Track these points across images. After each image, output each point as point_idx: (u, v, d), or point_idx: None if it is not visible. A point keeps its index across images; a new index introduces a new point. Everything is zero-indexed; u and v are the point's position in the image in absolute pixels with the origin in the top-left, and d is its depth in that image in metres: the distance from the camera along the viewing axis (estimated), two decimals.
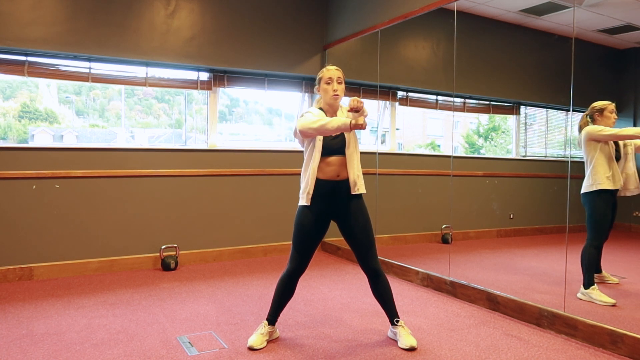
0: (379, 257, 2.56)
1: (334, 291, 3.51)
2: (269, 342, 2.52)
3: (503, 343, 2.57)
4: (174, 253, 4.19)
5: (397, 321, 2.52)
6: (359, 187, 2.49)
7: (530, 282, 3.55)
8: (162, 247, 4.15)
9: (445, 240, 4.65)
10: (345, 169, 2.45)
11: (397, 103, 5.02)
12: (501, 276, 3.81)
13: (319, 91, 2.53)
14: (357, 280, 3.78)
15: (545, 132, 4.67)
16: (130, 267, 4.06)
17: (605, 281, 3.34)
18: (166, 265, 4.04)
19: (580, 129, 3.22)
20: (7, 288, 3.47)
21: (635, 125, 3.59)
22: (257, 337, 2.47)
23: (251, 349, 2.43)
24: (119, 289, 3.49)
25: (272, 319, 2.53)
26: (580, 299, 3.08)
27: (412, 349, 2.42)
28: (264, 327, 2.51)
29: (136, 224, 4.10)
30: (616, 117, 3.15)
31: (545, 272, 3.76)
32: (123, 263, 4.04)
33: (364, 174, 2.57)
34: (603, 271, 3.33)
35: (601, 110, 3.14)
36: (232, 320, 2.87)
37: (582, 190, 3.16)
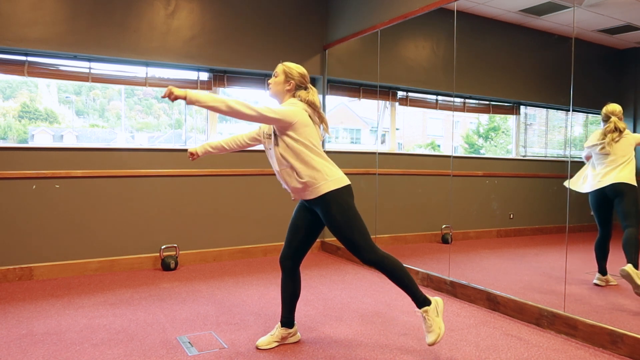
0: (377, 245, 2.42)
1: (334, 291, 3.51)
2: (285, 345, 2.52)
3: (503, 343, 2.57)
4: (174, 253, 4.20)
5: (421, 309, 2.35)
6: (308, 192, 2.31)
7: (530, 282, 3.55)
8: (162, 247, 4.15)
9: (445, 240, 4.65)
10: (284, 180, 2.39)
11: (397, 103, 5.02)
12: (501, 276, 3.81)
13: None
14: (357, 280, 3.78)
15: (545, 132, 4.67)
16: (130, 267, 4.06)
17: (609, 284, 3.34)
18: (166, 265, 4.04)
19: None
20: (7, 288, 3.47)
21: (635, 125, 3.59)
22: (266, 338, 2.50)
23: (256, 347, 2.46)
24: (119, 289, 3.49)
25: (283, 321, 2.52)
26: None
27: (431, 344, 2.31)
28: (275, 329, 2.52)
29: (136, 224, 4.10)
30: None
31: (545, 272, 3.76)
32: (123, 263, 4.04)
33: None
34: (608, 274, 3.34)
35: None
36: (232, 320, 2.87)
37: (628, 181, 3.20)
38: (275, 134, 2.32)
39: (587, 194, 3.35)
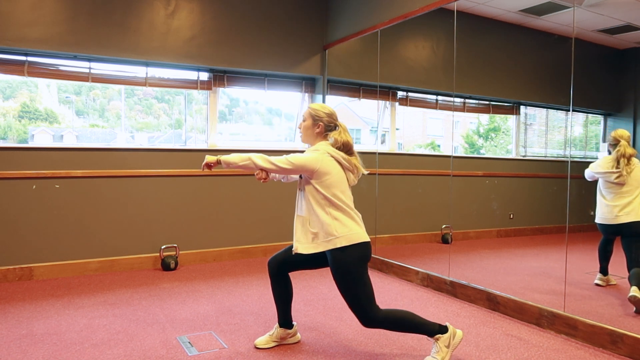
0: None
1: (334, 291, 3.51)
2: (285, 345, 2.52)
3: (503, 343, 2.57)
4: (174, 253, 4.20)
5: (432, 337, 2.30)
6: (315, 245, 2.26)
7: (530, 282, 3.55)
8: (162, 247, 4.15)
9: (445, 240, 4.65)
10: (296, 226, 2.34)
11: (397, 103, 5.02)
12: (501, 276, 3.81)
13: None
14: None
15: (545, 132, 4.66)
16: (130, 267, 4.06)
17: (610, 284, 3.35)
18: (166, 265, 4.04)
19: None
20: (7, 288, 3.47)
21: (635, 125, 3.59)
22: (264, 337, 2.51)
23: (255, 346, 2.46)
24: (119, 289, 3.49)
25: (280, 322, 2.52)
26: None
27: None
28: (274, 329, 2.53)
29: (136, 224, 4.10)
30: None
31: (545, 272, 3.76)
32: (123, 263, 4.04)
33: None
34: (609, 274, 3.34)
35: None
36: (232, 320, 2.87)
37: None
38: (301, 177, 2.31)
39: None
